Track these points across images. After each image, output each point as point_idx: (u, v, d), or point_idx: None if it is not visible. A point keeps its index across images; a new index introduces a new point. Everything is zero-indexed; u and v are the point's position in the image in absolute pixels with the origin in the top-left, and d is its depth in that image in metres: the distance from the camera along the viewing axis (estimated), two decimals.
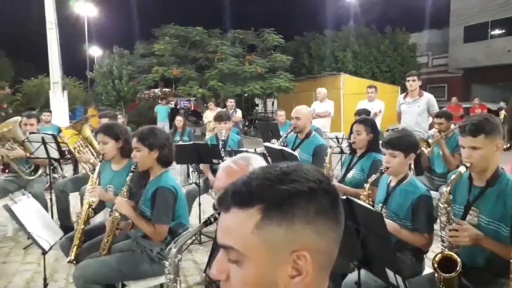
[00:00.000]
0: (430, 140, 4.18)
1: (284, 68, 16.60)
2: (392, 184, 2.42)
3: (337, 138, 4.82)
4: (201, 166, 4.72)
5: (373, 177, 2.49)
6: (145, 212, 2.43)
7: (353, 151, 3.26)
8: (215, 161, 4.20)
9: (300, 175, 0.68)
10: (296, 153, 3.34)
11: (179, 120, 7.85)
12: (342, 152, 4.28)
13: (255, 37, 17.37)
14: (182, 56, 16.16)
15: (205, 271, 1.53)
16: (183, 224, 2.52)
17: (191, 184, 4.63)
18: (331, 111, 7.48)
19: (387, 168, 2.37)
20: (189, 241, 2.90)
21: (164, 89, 22.11)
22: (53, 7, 11.69)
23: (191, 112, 23.41)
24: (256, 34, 17.34)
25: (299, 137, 3.79)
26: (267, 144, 3.36)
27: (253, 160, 1.47)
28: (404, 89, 6.48)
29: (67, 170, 7.64)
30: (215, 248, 1.58)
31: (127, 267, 2.36)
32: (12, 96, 12.86)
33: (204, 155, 4.23)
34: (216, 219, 1.41)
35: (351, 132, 3.20)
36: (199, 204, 4.38)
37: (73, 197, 4.63)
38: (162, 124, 13.45)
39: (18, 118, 4.71)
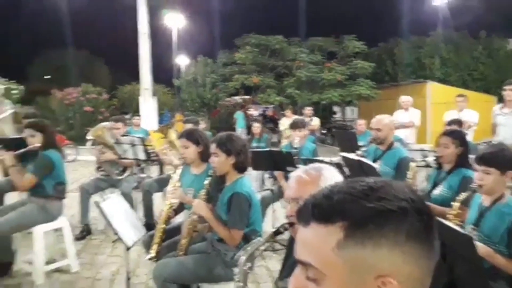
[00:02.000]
0: None
1: (365, 75, 16.10)
2: (485, 204, 2.19)
3: (422, 151, 4.51)
4: (275, 173, 4.74)
5: (463, 195, 2.28)
6: (221, 216, 2.48)
7: (440, 166, 3.02)
8: (289, 168, 4.18)
9: (389, 192, 0.62)
10: (376, 165, 3.18)
11: (256, 127, 7.98)
12: (428, 166, 3.99)
13: (335, 44, 17.11)
14: (262, 64, 16.46)
15: (276, 282, 1.50)
16: (257, 231, 2.53)
17: (266, 190, 4.65)
18: (416, 121, 7.03)
19: (480, 186, 2.15)
20: (262, 247, 2.91)
21: (243, 97, 22.72)
22: (146, 19, 12.66)
23: (268, 119, 23.72)
24: (336, 41, 17.09)
25: (381, 148, 3.62)
26: (344, 154, 3.26)
27: (325, 170, 1.42)
28: (500, 99, 5.89)
29: (154, 171, 8.17)
30: (288, 257, 1.55)
31: (202, 269, 2.43)
32: (108, 101, 14.13)
33: (278, 162, 4.23)
34: (286, 229, 1.38)
35: (437, 145, 2.97)
36: (273, 211, 4.40)
37: (157, 197, 4.91)
38: (241, 130, 13.83)
39: (107, 123, 5.13)
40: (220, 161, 2.52)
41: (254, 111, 20.86)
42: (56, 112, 12.98)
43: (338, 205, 0.62)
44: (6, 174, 4.47)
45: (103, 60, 39.66)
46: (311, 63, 15.79)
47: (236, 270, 1.36)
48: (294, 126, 4.63)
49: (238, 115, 14.49)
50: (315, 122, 9.00)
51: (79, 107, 13.17)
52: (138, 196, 4.85)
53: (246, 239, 2.46)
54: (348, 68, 15.84)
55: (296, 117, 9.57)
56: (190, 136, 3.00)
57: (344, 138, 4.87)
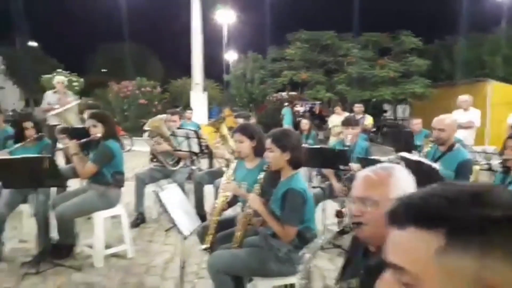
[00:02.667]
0: None
1: (420, 73, 15.44)
2: None
3: (485, 153, 4.26)
4: (326, 171, 4.67)
5: None
6: (275, 211, 2.48)
7: (506, 170, 2.84)
8: (341, 167, 4.11)
9: (494, 199, 0.58)
10: (438, 166, 3.04)
11: (305, 123, 7.92)
12: (491, 169, 3.76)
13: (389, 39, 16.54)
14: (312, 60, 16.27)
15: (337, 283, 1.47)
16: (311, 228, 2.51)
17: (315, 188, 4.61)
18: (476, 122, 6.66)
19: None
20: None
21: (290, 93, 22.64)
22: (199, 15, 12.92)
23: (315, 116, 23.47)
24: (391, 37, 16.51)
25: (440, 149, 3.46)
26: (403, 154, 3.14)
27: (396, 170, 1.37)
28: None
29: (203, 164, 8.36)
30: (350, 257, 1.52)
31: (255, 263, 2.45)
32: (161, 94, 14.60)
33: (330, 159, 4.17)
34: (351, 229, 1.35)
35: (504, 148, 2.79)
36: (323, 210, 4.35)
37: (207, 189, 5.01)
38: (288, 126, 13.77)
39: (163, 116, 5.31)
40: (275, 156, 2.52)
41: (300, 107, 20.74)
42: (113, 104, 13.63)
43: (440, 210, 0.59)
44: (68, 161, 4.75)
45: (156, 54, 41.05)
46: (363, 59, 15.39)
47: (299, 267, 1.35)
48: (347, 123, 4.53)
49: (286, 111, 14.42)
50: (368, 120, 8.75)
51: (134, 99, 13.74)
52: (189, 187, 4.98)
53: (300, 236, 2.45)
54: (402, 65, 15.26)
55: (347, 114, 9.40)
56: (245, 130, 3.03)
57: (399, 137, 4.69)
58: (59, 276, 3.36)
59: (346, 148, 4.20)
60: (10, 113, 17.60)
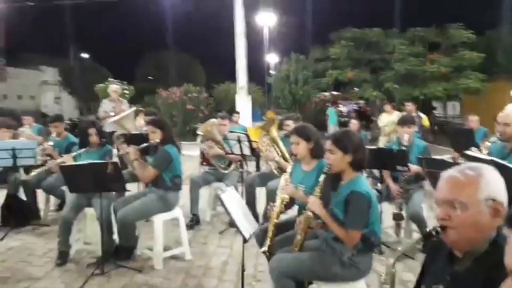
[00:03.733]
0: None
1: (473, 67, 14.66)
2: None
3: None
4: (376, 171, 4.53)
5: None
6: (337, 215, 2.43)
7: None
8: (399, 168, 3.97)
9: None
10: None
11: (354, 124, 7.75)
12: None
13: (438, 33, 15.85)
14: (357, 58, 15.94)
15: None
16: (376, 232, 2.43)
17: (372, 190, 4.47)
18: None
19: None
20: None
21: (333, 92, 22.31)
22: (242, 19, 13.04)
23: (361, 115, 22.96)
24: (439, 31, 15.82)
25: (507, 146, 3.25)
26: (470, 152, 2.98)
27: (485, 171, 1.28)
28: None
29: (250, 166, 8.41)
30: (429, 262, 1.44)
31: (318, 267, 2.42)
32: (207, 99, 14.89)
33: (388, 161, 4.04)
34: (438, 233, 1.28)
35: None
36: (380, 213, 4.21)
37: (258, 191, 5.02)
38: (332, 127, 13.56)
39: (215, 120, 5.39)
40: (336, 158, 2.47)
41: (343, 107, 20.37)
42: (161, 110, 14.07)
43: None
44: (125, 166, 4.93)
45: (199, 60, 42.02)
46: (411, 55, 14.84)
47: (382, 274, 1.31)
48: (403, 122, 4.36)
49: (330, 111, 14.22)
50: (425, 121, 8.39)
51: (181, 105, 14.10)
52: (239, 189, 5.02)
53: (364, 240, 2.38)
54: (454, 59, 14.56)
55: (397, 112, 9.10)
56: (301, 132, 2.99)
57: (459, 135, 4.45)
58: (123, 277, 3.49)
59: (403, 148, 4.05)
60: (68, 122, 18.63)
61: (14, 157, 4.49)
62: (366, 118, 20.20)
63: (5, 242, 4.31)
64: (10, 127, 5.15)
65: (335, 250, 2.44)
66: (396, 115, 8.97)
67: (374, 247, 2.48)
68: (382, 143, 9.05)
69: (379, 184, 4.82)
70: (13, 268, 3.68)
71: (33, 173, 4.83)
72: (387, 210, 4.47)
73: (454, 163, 3.36)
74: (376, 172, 6.87)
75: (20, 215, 4.76)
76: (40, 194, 5.13)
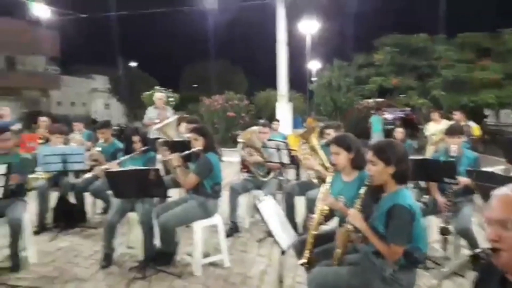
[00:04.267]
0: None
1: None
2: None
3: None
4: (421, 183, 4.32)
5: None
6: (378, 228, 2.34)
7: None
8: (447, 180, 3.78)
9: None
10: None
11: (399, 132, 7.50)
12: None
13: (490, 39, 15.08)
14: (402, 65, 15.48)
15: None
16: (419, 248, 2.32)
17: (418, 202, 4.29)
18: None
19: None
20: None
21: (377, 99, 21.79)
22: (284, 27, 13.06)
23: (407, 123, 22.22)
24: (491, 36, 15.05)
25: None
26: None
27: None
28: None
29: (290, 174, 8.35)
30: (481, 285, 1.35)
31: (359, 283, 2.34)
32: (248, 107, 15.03)
33: (434, 172, 3.85)
34: (488, 255, 1.20)
35: None
36: (426, 226, 4.03)
37: (297, 200, 4.96)
38: (376, 135, 13.19)
39: (255, 127, 5.40)
40: (378, 170, 2.39)
41: (388, 115, 19.77)
42: (204, 117, 14.36)
43: None
44: (168, 172, 5.05)
45: (242, 68, 42.67)
46: (460, 61, 14.22)
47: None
48: (451, 132, 4.16)
49: (374, 119, 13.85)
50: (476, 131, 7.98)
51: (223, 112, 14.32)
52: (278, 198, 4.99)
53: (407, 256, 2.28)
54: (506, 65, 13.78)
55: (444, 121, 8.71)
56: (341, 142, 2.93)
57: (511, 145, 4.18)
58: (163, 281, 3.56)
59: (451, 159, 3.85)
60: (116, 128, 19.44)
61: (65, 162, 4.73)
62: (413, 126, 19.52)
63: (55, 243, 4.54)
64: (62, 133, 5.44)
65: (375, 266, 2.35)
66: (444, 124, 8.61)
67: (418, 263, 2.36)
68: (429, 152, 8.69)
69: (425, 196, 4.62)
70: (61, 268, 3.86)
71: (81, 177, 5.08)
72: (433, 223, 4.28)
73: (507, 177, 3.16)
74: (422, 183, 6.61)
75: (70, 217, 4.99)
76: (88, 198, 5.36)
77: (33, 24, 26.77)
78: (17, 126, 7.85)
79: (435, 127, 8.62)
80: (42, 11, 18.74)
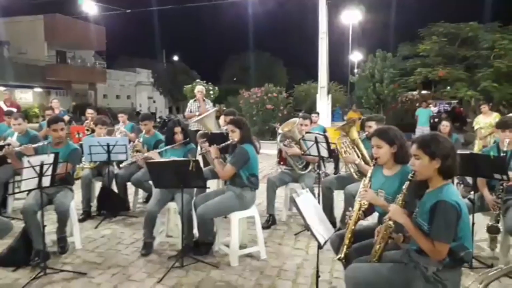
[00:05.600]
0: None
1: None
2: None
3: None
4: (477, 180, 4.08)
5: None
6: (422, 225, 2.23)
7: None
8: (496, 176, 3.55)
9: None
10: None
11: (445, 125, 7.14)
12: None
13: None
14: (450, 55, 14.72)
15: None
16: (465, 247, 2.19)
17: (464, 199, 4.07)
18: None
19: None
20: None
21: (422, 92, 20.95)
22: (325, 19, 12.82)
23: (454, 116, 21.26)
24: None
25: None
26: None
27: None
28: None
29: (328, 168, 8.23)
30: None
31: (398, 280, 2.25)
32: (286, 99, 14.93)
33: (483, 167, 3.63)
34: None
35: None
36: (473, 224, 3.83)
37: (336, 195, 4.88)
38: (422, 128, 12.71)
39: (296, 119, 5.33)
40: (422, 164, 2.27)
41: (433, 107, 18.96)
42: (243, 109, 14.42)
43: None
44: (206, 163, 5.11)
45: (282, 61, 42.53)
46: None
47: None
48: (504, 126, 3.91)
49: (420, 112, 13.34)
50: None
51: (261, 105, 14.32)
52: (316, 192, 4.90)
53: (452, 254, 2.16)
54: None
55: (495, 114, 8.25)
56: (384, 135, 2.81)
57: None
58: (200, 271, 3.61)
59: (503, 154, 3.62)
60: (158, 120, 20.00)
61: (108, 152, 4.91)
62: (460, 119, 18.60)
63: (99, 230, 4.73)
64: (104, 124, 5.64)
65: (418, 264, 2.25)
66: (494, 117, 8.15)
67: (463, 262, 2.24)
68: (477, 147, 8.27)
69: (472, 193, 4.39)
70: (104, 255, 4.01)
71: (124, 167, 5.24)
72: (481, 222, 4.06)
73: None
74: (468, 178, 6.29)
75: (113, 206, 5.18)
76: (130, 187, 5.53)
77: (82, 20, 28.02)
78: (66, 118, 8.25)
79: (484, 120, 8.20)
80: (89, 8, 19.55)
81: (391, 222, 2.37)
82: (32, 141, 5.00)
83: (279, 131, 5.13)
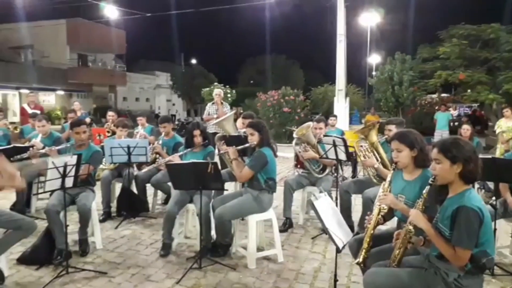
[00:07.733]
0: None
1: None
2: None
3: None
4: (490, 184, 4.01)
5: None
6: (443, 231, 2.20)
7: None
8: None
9: None
10: None
11: (466, 129, 7.01)
12: None
13: None
14: (471, 57, 14.41)
15: None
16: (487, 253, 2.15)
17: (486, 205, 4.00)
18: None
19: None
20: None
21: (442, 95, 20.58)
22: (343, 21, 12.76)
23: (475, 120, 20.80)
24: None
25: None
26: None
27: None
28: None
29: (346, 171, 8.17)
30: None
31: (419, 286, 2.23)
32: (303, 102, 14.87)
33: (506, 172, 3.57)
34: None
35: None
36: (494, 230, 3.75)
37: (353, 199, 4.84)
38: (441, 132, 12.54)
39: (310, 123, 5.32)
40: (443, 168, 2.24)
41: (453, 111, 18.59)
42: (260, 112, 14.43)
43: None
44: (225, 166, 5.14)
45: (299, 64, 42.48)
46: None
47: None
48: None
49: (439, 115, 13.14)
50: None
51: (278, 107, 14.31)
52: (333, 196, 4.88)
53: (474, 261, 2.13)
54: None
55: None
56: (404, 138, 2.79)
57: None
58: (218, 273, 3.63)
59: None
60: (176, 123, 20.20)
61: (129, 154, 5.00)
62: (481, 123, 18.18)
63: (119, 230, 4.82)
64: (125, 126, 5.74)
65: (438, 270, 2.23)
66: None
67: (485, 269, 2.20)
68: (499, 151, 8.09)
69: (493, 198, 4.31)
70: (124, 255, 4.08)
71: (144, 169, 5.33)
72: (503, 228, 3.98)
73: None
74: (490, 184, 6.16)
75: (132, 206, 5.27)
76: (149, 189, 5.61)
77: (103, 24, 28.60)
78: (87, 120, 8.44)
79: (506, 124, 8.01)
80: (111, 12, 19.95)
81: (411, 227, 2.35)
82: (56, 142, 5.14)
83: (295, 134, 5.13)
